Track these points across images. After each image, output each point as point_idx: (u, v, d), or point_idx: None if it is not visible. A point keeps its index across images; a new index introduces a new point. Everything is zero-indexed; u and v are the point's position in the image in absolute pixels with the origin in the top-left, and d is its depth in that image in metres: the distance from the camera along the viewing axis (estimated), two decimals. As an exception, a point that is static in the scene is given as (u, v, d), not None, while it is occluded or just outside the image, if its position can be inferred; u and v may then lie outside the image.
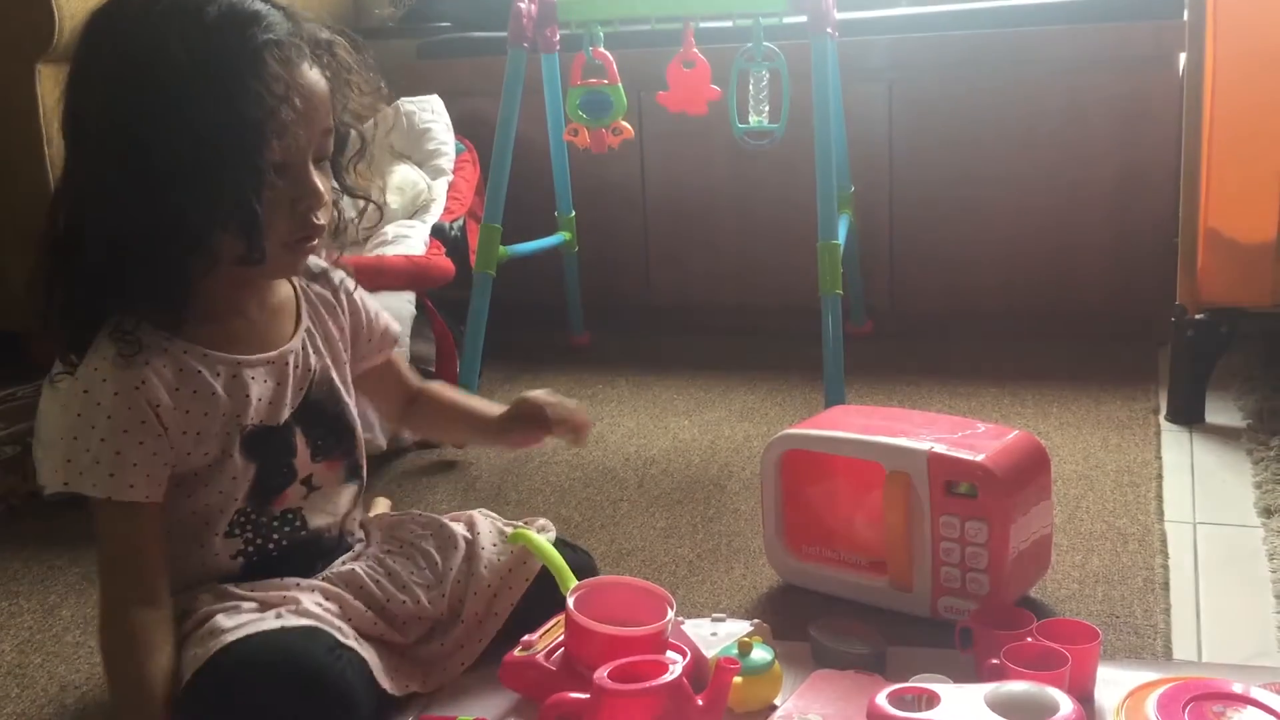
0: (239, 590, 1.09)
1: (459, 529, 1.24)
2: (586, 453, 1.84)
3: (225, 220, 1.00)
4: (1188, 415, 1.84)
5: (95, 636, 1.32)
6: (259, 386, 1.10)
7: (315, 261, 1.20)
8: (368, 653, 1.08)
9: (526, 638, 1.13)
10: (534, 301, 2.44)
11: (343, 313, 1.22)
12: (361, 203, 1.20)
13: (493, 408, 1.34)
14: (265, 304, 1.14)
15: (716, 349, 2.40)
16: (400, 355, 1.33)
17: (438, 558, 1.20)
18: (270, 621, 1.04)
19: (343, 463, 1.19)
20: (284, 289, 1.17)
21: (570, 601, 1.09)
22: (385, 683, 1.09)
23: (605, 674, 0.99)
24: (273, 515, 1.13)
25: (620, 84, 1.99)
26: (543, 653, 1.10)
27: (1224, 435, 1.78)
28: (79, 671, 1.27)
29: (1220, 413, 1.86)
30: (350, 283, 1.24)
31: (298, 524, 1.15)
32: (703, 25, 1.96)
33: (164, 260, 1.02)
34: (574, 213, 2.33)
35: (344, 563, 1.18)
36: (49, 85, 2.01)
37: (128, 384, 1.03)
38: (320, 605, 1.10)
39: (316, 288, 1.20)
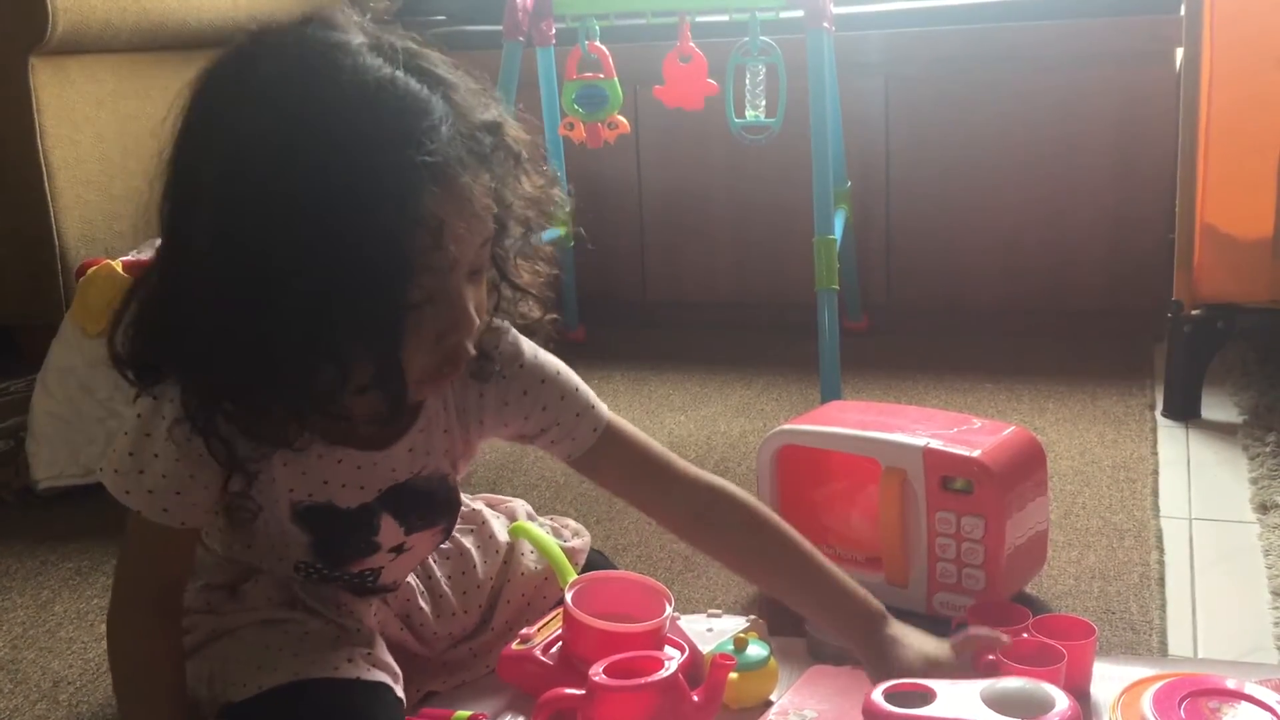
0: (303, 592, 1.04)
1: (500, 529, 1.19)
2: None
3: (357, 383, 0.85)
4: (1184, 411, 1.84)
5: (88, 631, 1.33)
6: (327, 465, 0.98)
7: (489, 348, 1.01)
8: (400, 686, 1.04)
9: (524, 631, 1.13)
10: (529, 296, 2.43)
11: (481, 424, 1.06)
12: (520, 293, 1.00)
13: (869, 602, 1.04)
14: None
15: (712, 344, 2.39)
16: (637, 442, 1.09)
17: (476, 559, 1.15)
18: (345, 667, 0.99)
19: (444, 525, 1.08)
20: None
21: (568, 596, 1.08)
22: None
23: (601, 669, 0.98)
24: (348, 573, 1.05)
25: (616, 78, 1.98)
26: (540, 646, 1.10)
27: (1220, 431, 1.78)
28: (72, 667, 1.26)
29: (1216, 408, 1.86)
30: (514, 390, 1.04)
31: (371, 580, 1.06)
32: (699, 20, 1.96)
33: (273, 416, 0.89)
34: (569, 207, 2.32)
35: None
36: (42, 77, 2.00)
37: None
38: (384, 646, 1.05)
39: (456, 384, 1.02)
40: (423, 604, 1.12)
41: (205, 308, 0.84)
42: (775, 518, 1.07)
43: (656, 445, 1.09)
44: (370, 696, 0.99)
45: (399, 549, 1.05)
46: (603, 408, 1.08)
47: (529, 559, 1.19)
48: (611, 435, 1.08)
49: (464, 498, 1.21)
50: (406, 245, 0.81)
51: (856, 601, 1.04)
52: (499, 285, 0.98)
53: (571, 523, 1.27)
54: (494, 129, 0.87)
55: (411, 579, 1.12)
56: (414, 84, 0.84)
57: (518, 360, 1.04)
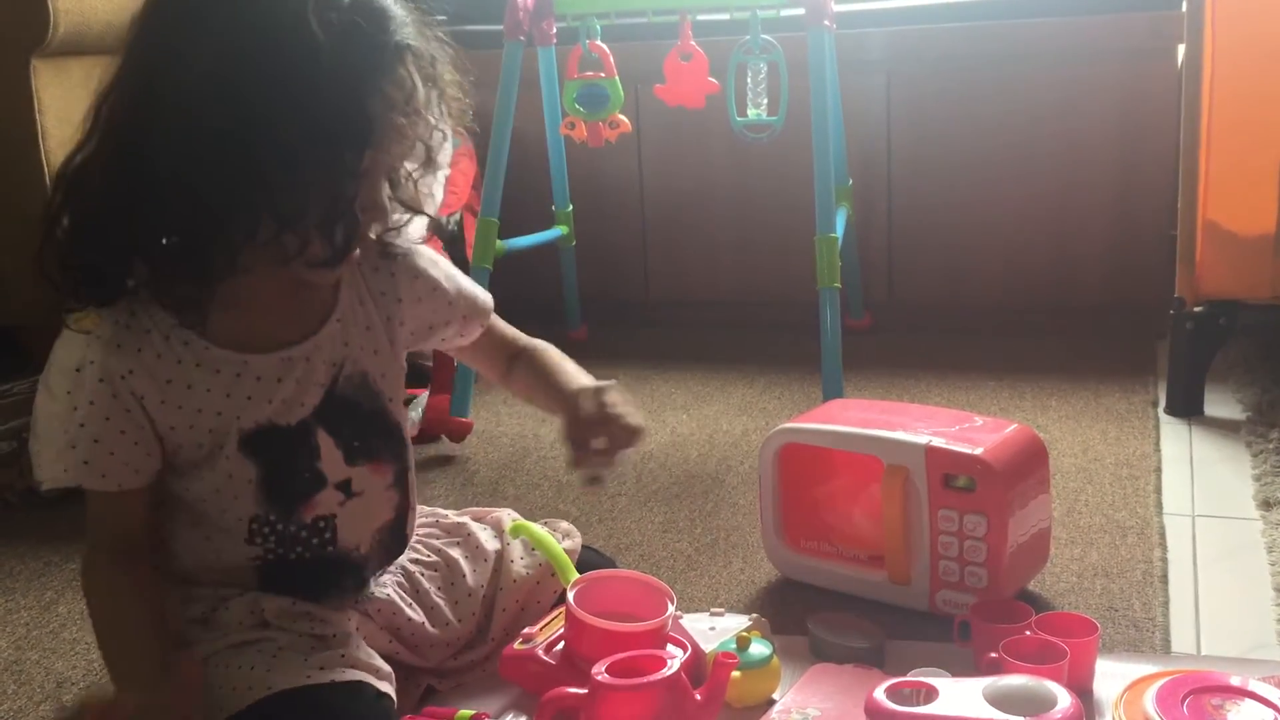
0: (272, 614, 1.05)
1: (487, 539, 1.20)
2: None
3: (319, 215, 0.94)
4: (1187, 408, 1.84)
5: (92, 632, 1.33)
6: (265, 386, 1.03)
7: (386, 235, 1.10)
8: (391, 687, 1.05)
9: (526, 630, 1.13)
10: (531, 296, 2.43)
11: (398, 300, 1.11)
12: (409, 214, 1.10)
13: (576, 380, 1.18)
14: (293, 293, 1.05)
15: (714, 343, 2.39)
16: (498, 321, 1.23)
17: (465, 569, 1.16)
18: (317, 674, 1.00)
19: (392, 467, 1.11)
20: None
21: (570, 595, 1.08)
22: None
23: (604, 669, 0.98)
24: (301, 524, 1.06)
25: (617, 77, 1.98)
26: (542, 646, 1.10)
27: (1223, 428, 1.78)
28: (76, 668, 1.27)
29: (1219, 405, 1.85)
30: (421, 261, 1.13)
31: (328, 536, 1.07)
32: (700, 18, 1.96)
33: (223, 240, 0.94)
34: (571, 207, 2.32)
35: (381, 582, 1.13)
36: (44, 79, 2.01)
37: (114, 372, 0.98)
38: (362, 645, 1.05)
39: (369, 266, 1.10)
40: (411, 614, 1.12)
41: (187, 150, 0.92)
42: (545, 352, 1.22)
43: (500, 320, 1.23)
44: (347, 696, 1.00)
45: (347, 489, 1.07)
46: (484, 291, 1.21)
47: (518, 565, 1.19)
48: (492, 320, 1.22)
49: (449, 513, 1.24)
50: (382, 105, 0.93)
51: (560, 387, 1.16)
52: (389, 203, 1.06)
53: (563, 524, 1.27)
54: (435, 61, 0.99)
55: (394, 594, 1.12)
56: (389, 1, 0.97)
57: (409, 244, 1.13)
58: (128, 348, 0.99)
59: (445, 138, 1.04)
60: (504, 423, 1.99)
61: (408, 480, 1.13)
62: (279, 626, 1.04)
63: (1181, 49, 1.87)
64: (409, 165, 1.02)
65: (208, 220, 0.93)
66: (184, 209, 0.93)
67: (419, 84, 0.97)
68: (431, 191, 1.10)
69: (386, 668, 1.05)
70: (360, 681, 1.01)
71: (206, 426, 1.02)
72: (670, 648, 1.05)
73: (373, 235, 1.03)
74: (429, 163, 1.04)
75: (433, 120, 1.00)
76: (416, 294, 1.13)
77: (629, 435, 1.10)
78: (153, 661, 1.00)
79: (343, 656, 1.03)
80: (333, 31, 0.91)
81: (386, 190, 1.00)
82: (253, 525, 1.05)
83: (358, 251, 1.02)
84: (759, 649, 1.10)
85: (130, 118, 0.95)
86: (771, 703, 1.08)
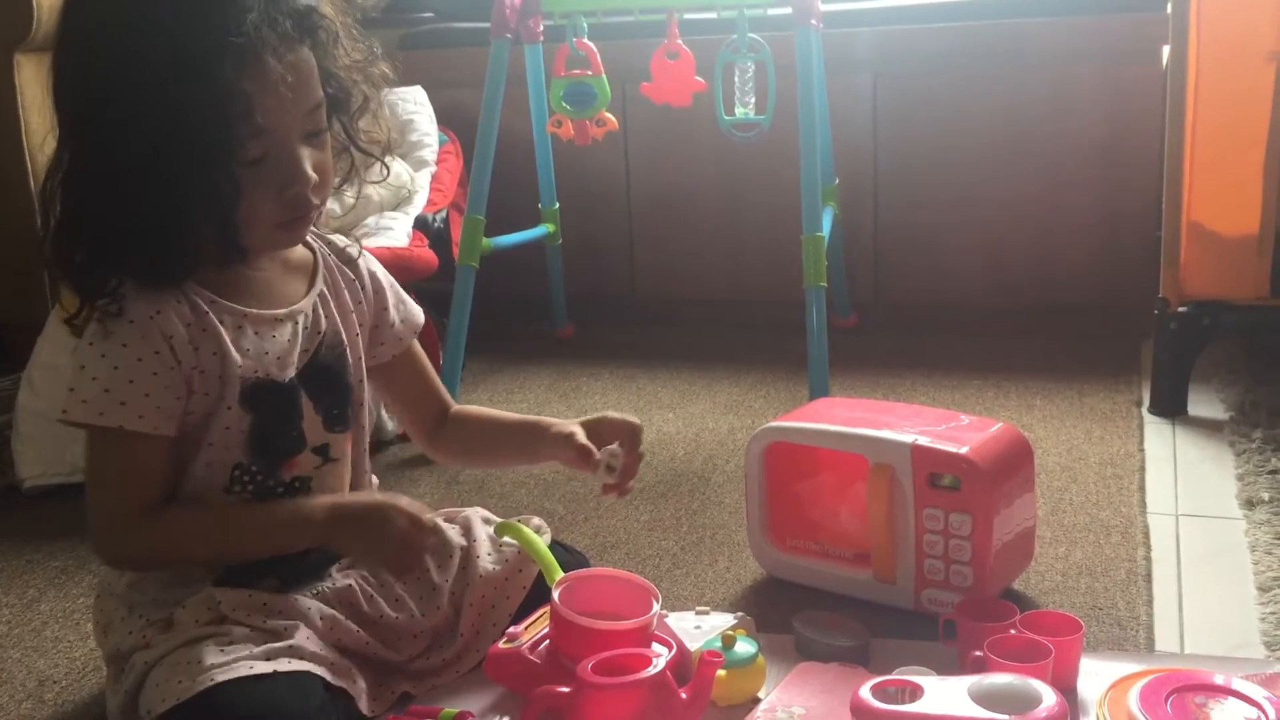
0: (229, 608, 1.06)
1: (454, 535, 1.21)
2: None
3: (201, 221, 1.00)
4: (1170, 407, 1.85)
5: (74, 630, 1.32)
6: (263, 341, 1.08)
7: (339, 238, 1.20)
8: (356, 687, 1.06)
9: (512, 629, 1.12)
10: (517, 294, 2.43)
11: (362, 289, 1.19)
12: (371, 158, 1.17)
13: (547, 419, 1.24)
14: (278, 260, 1.13)
15: (701, 341, 2.39)
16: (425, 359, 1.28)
17: (429, 563, 1.17)
18: (261, 664, 1.00)
19: (352, 434, 1.17)
20: (300, 250, 1.15)
21: (555, 594, 1.08)
22: (368, 708, 1.07)
23: (589, 667, 0.98)
24: (280, 481, 1.10)
25: (604, 75, 1.98)
26: (528, 645, 1.10)
27: (1206, 427, 1.79)
28: (58, 666, 1.26)
29: (1203, 405, 1.86)
30: (374, 264, 1.22)
31: (302, 497, 1.12)
32: (687, 16, 1.96)
33: (153, 241, 1.01)
34: (557, 205, 2.32)
35: (341, 569, 1.15)
36: (27, 74, 2.00)
37: (143, 313, 1.02)
38: (313, 638, 1.06)
39: (336, 260, 1.18)
40: (374, 600, 1.13)
41: (97, 177, 1.00)
42: (477, 415, 1.28)
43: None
44: (291, 687, 1.00)
45: (325, 453, 1.13)
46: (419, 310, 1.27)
47: (484, 561, 1.19)
48: (420, 353, 1.26)
49: None
50: (221, 113, 0.96)
51: (549, 429, 1.21)
52: (349, 149, 1.12)
53: (534, 519, 1.26)
54: (306, 14, 1.02)
55: (356, 585, 1.13)
56: None
57: (368, 264, 1.22)
58: (149, 294, 1.03)
59: (367, 91, 1.11)
60: (490, 421, 1.98)
61: (363, 461, 1.21)
62: (234, 620, 1.05)
63: (1166, 50, 1.87)
64: (352, 110, 1.09)
65: (125, 230, 1.01)
66: (104, 223, 1.01)
67: (276, 66, 0.98)
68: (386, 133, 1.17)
69: (344, 663, 1.06)
70: (305, 673, 1.01)
71: (216, 372, 1.06)
72: (655, 646, 1.05)
73: (316, 199, 1.06)
74: (366, 103, 1.11)
75: (330, 68, 1.05)
76: (377, 286, 1.21)
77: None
78: (316, 503, 1.09)
79: (290, 648, 1.03)
80: (152, 53, 0.95)
81: (312, 154, 1.04)
82: (235, 472, 1.08)
83: (335, 239, 1.15)
84: (744, 647, 1.10)
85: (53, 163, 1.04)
86: (756, 701, 1.08)
